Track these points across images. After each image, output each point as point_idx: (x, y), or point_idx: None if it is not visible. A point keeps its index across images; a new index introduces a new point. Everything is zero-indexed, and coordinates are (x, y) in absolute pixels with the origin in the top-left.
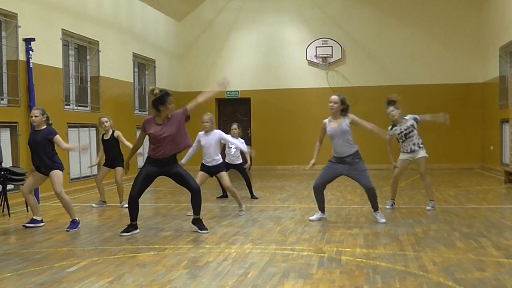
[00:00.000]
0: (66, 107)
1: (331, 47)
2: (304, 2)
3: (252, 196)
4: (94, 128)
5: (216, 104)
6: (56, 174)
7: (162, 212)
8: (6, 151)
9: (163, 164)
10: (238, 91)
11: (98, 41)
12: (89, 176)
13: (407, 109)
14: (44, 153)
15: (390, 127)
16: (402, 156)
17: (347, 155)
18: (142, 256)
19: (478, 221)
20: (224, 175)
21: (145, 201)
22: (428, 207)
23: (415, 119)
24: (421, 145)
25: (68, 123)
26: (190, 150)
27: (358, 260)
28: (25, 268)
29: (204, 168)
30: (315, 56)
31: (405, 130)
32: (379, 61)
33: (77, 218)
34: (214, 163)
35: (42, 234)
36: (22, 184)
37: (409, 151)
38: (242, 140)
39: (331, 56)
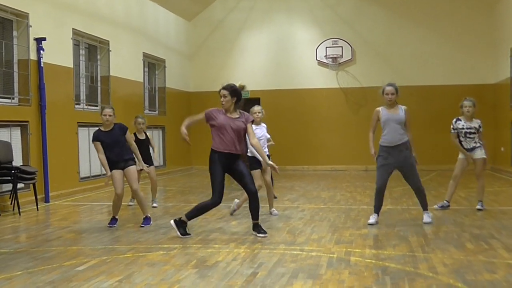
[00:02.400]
0: (76, 106)
1: (341, 48)
2: (314, 2)
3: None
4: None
5: None
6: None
7: (171, 212)
8: (17, 150)
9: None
10: (248, 91)
11: (108, 41)
12: (99, 175)
13: (418, 110)
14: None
15: (454, 120)
16: (461, 155)
17: (400, 143)
18: (151, 255)
19: (489, 223)
20: (267, 170)
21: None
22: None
23: (480, 125)
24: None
25: (78, 122)
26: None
27: (367, 261)
28: (35, 266)
29: (255, 163)
30: (325, 56)
31: (468, 129)
32: (389, 61)
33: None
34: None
35: (52, 233)
36: (33, 183)
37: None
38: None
39: (341, 56)
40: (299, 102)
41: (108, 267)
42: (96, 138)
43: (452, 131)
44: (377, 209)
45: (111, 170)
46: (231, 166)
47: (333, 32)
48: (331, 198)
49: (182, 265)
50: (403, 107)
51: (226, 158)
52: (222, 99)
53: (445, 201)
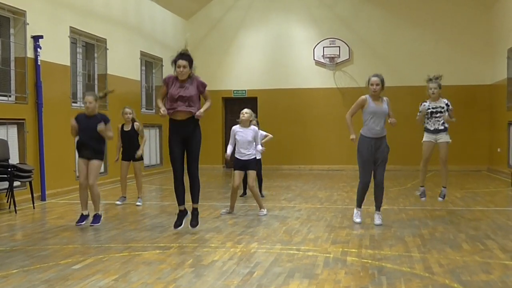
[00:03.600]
0: (73, 104)
1: (338, 47)
2: (312, 1)
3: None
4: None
5: (222, 102)
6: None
7: (168, 211)
8: (13, 148)
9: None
10: (245, 90)
11: (106, 39)
12: None
13: (414, 110)
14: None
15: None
16: (426, 138)
17: (383, 136)
18: (148, 254)
19: (485, 223)
20: (252, 173)
21: (151, 200)
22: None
23: (447, 104)
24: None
25: None
26: (230, 145)
27: (363, 261)
28: (31, 264)
29: (237, 164)
30: (323, 56)
31: (434, 108)
32: (386, 61)
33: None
34: (250, 157)
35: (48, 231)
36: (29, 181)
37: (432, 129)
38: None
39: (339, 56)
40: (296, 102)
41: (104, 265)
42: (75, 117)
43: (418, 114)
44: (359, 204)
45: (78, 155)
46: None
47: (331, 32)
48: (327, 198)
49: (178, 264)
50: (386, 98)
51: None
52: (181, 69)
53: (420, 188)
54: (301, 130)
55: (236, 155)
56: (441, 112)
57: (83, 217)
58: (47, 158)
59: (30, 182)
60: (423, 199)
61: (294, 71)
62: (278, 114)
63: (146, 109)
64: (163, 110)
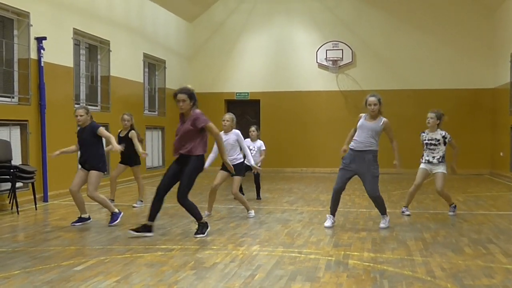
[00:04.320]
0: (76, 106)
1: (341, 50)
2: (315, 5)
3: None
4: (103, 128)
5: (225, 105)
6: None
7: (170, 213)
8: (16, 149)
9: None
10: (247, 92)
11: (109, 41)
12: None
13: (416, 113)
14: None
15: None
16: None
17: (364, 150)
18: (150, 256)
19: (487, 227)
20: (237, 180)
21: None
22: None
23: (444, 136)
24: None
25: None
26: (212, 153)
27: (365, 264)
28: (33, 266)
29: (224, 167)
30: (325, 59)
31: (430, 140)
32: (389, 65)
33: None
34: (234, 162)
35: (50, 232)
36: (32, 182)
37: (423, 161)
38: (262, 142)
39: (341, 59)
40: (298, 105)
41: (106, 267)
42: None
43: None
44: (333, 210)
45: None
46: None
47: (334, 35)
48: (329, 201)
49: (180, 266)
50: (384, 119)
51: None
52: (180, 104)
53: (403, 208)
54: (303, 132)
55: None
56: (435, 144)
57: (81, 219)
58: (50, 160)
59: (33, 183)
60: (406, 213)
61: (296, 74)
62: (281, 117)
63: (149, 111)
64: None
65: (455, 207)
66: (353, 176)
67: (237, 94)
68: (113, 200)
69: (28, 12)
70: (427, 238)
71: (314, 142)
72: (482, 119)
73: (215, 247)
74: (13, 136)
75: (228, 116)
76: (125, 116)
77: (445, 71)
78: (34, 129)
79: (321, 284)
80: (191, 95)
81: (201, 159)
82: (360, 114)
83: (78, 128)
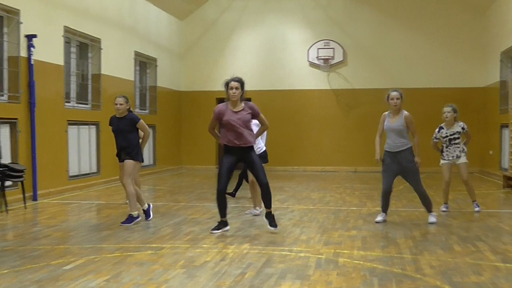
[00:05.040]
0: (66, 104)
1: (333, 49)
2: (307, 3)
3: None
4: (94, 126)
5: (216, 103)
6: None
7: (161, 211)
8: (5, 148)
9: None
10: None
11: (100, 39)
12: (88, 174)
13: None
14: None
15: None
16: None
17: (400, 150)
18: (140, 255)
19: (476, 225)
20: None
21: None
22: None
23: (463, 127)
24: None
25: (68, 120)
26: None
27: (355, 262)
28: (22, 265)
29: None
30: (317, 57)
31: (452, 135)
32: (380, 63)
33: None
34: (259, 151)
35: (40, 231)
36: (21, 181)
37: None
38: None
39: (333, 58)
40: (290, 103)
41: (96, 266)
42: (109, 122)
43: (434, 139)
44: (384, 209)
45: (119, 160)
46: (243, 157)
47: (325, 34)
48: (320, 199)
49: (170, 265)
50: (405, 113)
51: (233, 150)
52: (234, 91)
53: (444, 204)
54: (295, 131)
55: None
56: (458, 138)
57: (143, 212)
58: (40, 158)
59: (22, 182)
60: (444, 210)
61: (288, 72)
62: (272, 115)
63: (140, 109)
64: None
65: (478, 204)
66: (397, 176)
67: None
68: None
69: (18, 10)
70: (417, 236)
71: (306, 141)
72: (472, 118)
73: (205, 246)
74: (3, 134)
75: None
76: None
77: (436, 70)
78: (24, 127)
79: (311, 282)
80: (242, 84)
81: None
82: (384, 113)
83: (113, 117)
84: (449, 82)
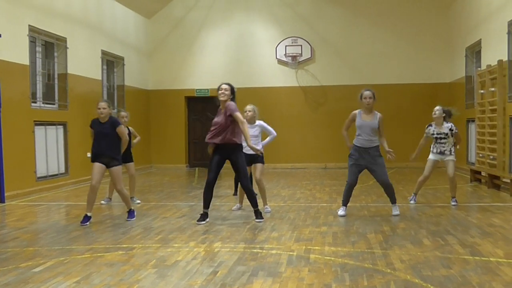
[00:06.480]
0: (33, 104)
1: (300, 46)
2: (274, 1)
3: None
4: (61, 126)
5: (185, 102)
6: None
7: None
8: None
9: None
10: (208, 89)
11: (66, 38)
12: (56, 174)
13: (375, 108)
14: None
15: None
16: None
17: (370, 147)
18: (110, 255)
19: (445, 219)
20: (260, 166)
21: (114, 200)
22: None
23: (451, 129)
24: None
25: (35, 120)
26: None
27: (326, 258)
28: None
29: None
30: (285, 55)
31: (438, 134)
32: (348, 60)
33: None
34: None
35: (8, 234)
36: None
37: (436, 152)
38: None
39: (301, 55)
40: (259, 101)
41: (65, 268)
42: (91, 124)
43: (424, 135)
44: (345, 202)
45: (93, 161)
46: (228, 156)
47: (293, 31)
48: (290, 196)
49: (141, 265)
50: (379, 114)
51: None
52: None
53: (412, 194)
54: None
55: (243, 151)
56: (444, 138)
57: (86, 218)
58: (6, 159)
59: None
60: (412, 202)
61: (256, 70)
62: (241, 113)
63: None
64: None
65: (456, 201)
66: (363, 170)
67: (197, 91)
68: (110, 199)
69: None
70: (387, 231)
71: (275, 138)
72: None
73: (176, 245)
74: None
75: (250, 107)
76: (123, 113)
77: (402, 66)
78: None
79: (283, 279)
80: (232, 88)
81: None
82: (354, 111)
83: (95, 120)
84: (416, 78)
